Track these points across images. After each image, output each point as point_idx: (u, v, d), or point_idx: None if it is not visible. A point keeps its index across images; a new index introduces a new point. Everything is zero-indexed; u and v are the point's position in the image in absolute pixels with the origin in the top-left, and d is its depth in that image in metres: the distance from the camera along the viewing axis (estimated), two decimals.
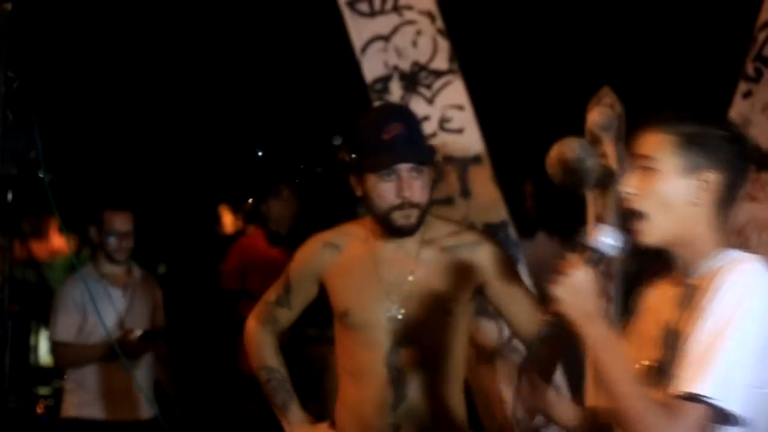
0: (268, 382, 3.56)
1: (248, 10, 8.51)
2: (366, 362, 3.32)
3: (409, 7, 5.15)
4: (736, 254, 2.40)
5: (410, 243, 3.32)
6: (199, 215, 10.41)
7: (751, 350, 2.26)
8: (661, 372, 2.39)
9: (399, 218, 3.25)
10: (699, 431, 2.25)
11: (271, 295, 3.58)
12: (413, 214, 3.25)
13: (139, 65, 9.08)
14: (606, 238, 2.43)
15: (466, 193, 5.09)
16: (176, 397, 5.78)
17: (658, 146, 2.43)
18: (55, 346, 5.45)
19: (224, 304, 6.53)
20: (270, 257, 6.44)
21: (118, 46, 8.69)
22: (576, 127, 4.77)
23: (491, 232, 5.07)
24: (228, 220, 10.31)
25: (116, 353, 4.85)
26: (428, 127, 5.10)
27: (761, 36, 5.04)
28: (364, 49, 5.17)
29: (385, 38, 5.16)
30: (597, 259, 2.42)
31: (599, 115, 4.71)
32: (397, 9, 5.15)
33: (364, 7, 5.15)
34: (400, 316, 3.29)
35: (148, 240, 6.11)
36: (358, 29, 5.17)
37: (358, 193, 3.33)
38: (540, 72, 8.08)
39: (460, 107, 5.13)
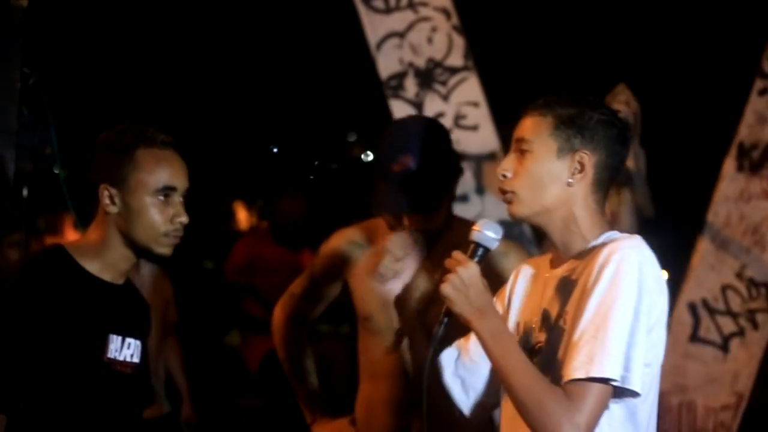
0: (292, 373, 3.54)
1: (264, 7, 8.51)
2: (385, 366, 3.31)
3: (425, 4, 5.15)
4: (616, 234, 2.40)
5: (434, 247, 3.29)
6: (213, 211, 10.43)
7: (641, 328, 2.25)
8: (545, 357, 2.36)
9: (411, 233, 3.24)
10: (600, 413, 2.24)
11: (297, 288, 3.56)
12: (419, 238, 3.26)
13: (154, 61, 9.09)
14: (487, 231, 2.45)
15: (480, 190, 5.08)
16: (188, 394, 5.77)
17: (535, 129, 2.46)
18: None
19: (229, 299, 6.53)
20: (275, 254, 6.44)
21: (133, 43, 8.71)
22: None
23: (506, 228, 5.06)
24: (242, 217, 10.31)
25: None
26: (443, 124, 5.09)
27: None
28: (379, 45, 5.17)
29: (401, 35, 5.16)
30: (481, 253, 2.44)
31: None
32: (412, 5, 5.15)
33: (379, 3, 5.15)
34: (423, 322, 3.26)
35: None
36: (374, 26, 5.17)
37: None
38: (555, 69, 8.06)
39: (475, 104, 5.13)
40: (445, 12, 5.15)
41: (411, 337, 3.26)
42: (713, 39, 7.62)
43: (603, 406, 2.24)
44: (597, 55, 7.73)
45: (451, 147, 3.34)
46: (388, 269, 3.32)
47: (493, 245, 2.46)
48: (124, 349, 2.69)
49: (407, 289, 3.29)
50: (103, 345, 2.63)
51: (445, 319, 2.44)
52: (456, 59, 5.15)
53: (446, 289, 2.38)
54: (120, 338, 2.68)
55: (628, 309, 2.25)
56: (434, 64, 5.14)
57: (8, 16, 3.31)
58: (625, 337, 2.23)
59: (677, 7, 7.63)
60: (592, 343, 2.23)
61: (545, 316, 2.41)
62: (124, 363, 2.67)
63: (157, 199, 2.66)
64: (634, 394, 2.26)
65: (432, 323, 3.21)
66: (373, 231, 3.38)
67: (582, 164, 2.40)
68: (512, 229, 5.09)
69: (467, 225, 3.37)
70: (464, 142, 5.10)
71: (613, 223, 2.48)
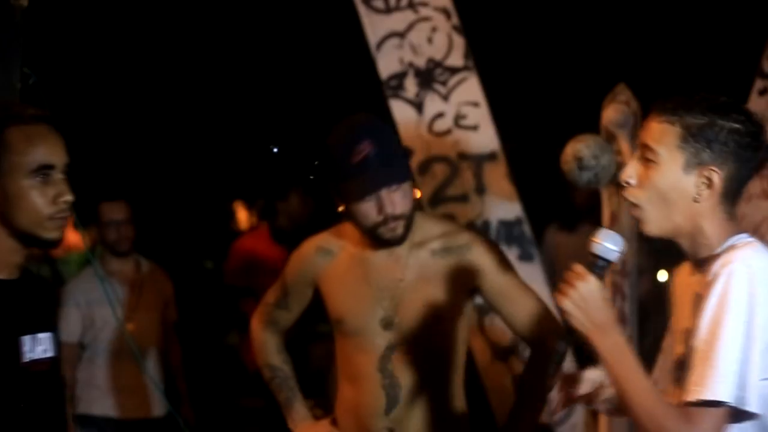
0: (272, 380, 3.61)
1: (265, 7, 8.51)
2: (360, 367, 3.33)
3: (425, 4, 5.15)
4: (739, 239, 2.35)
5: (400, 247, 3.28)
6: (213, 211, 10.43)
7: (756, 344, 2.20)
8: (682, 368, 2.33)
9: (385, 233, 3.21)
10: None
11: (270, 297, 3.62)
12: (399, 226, 3.20)
13: (154, 62, 9.09)
14: (607, 243, 2.37)
15: (481, 189, 5.08)
16: (188, 394, 5.77)
17: (662, 137, 2.36)
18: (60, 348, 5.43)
19: (227, 300, 6.52)
20: (274, 254, 6.43)
21: (133, 43, 8.71)
22: (591, 124, 4.76)
23: (506, 228, 5.07)
24: (242, 216, 10.32)
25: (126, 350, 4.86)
26: (443, 124, 5.10)
27: None
28: (379, 45, 5.17)
29: (401, 35, 5.16)
30: (602, 265, 2.36)
31: (615, 112, 4.70)
32: (412, 6, 5.15)
33: (379, 3, 5.15)
34: (392, 322, 3.29)
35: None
36: (374, 26, 5.17)
37: (341, 209, 3.30)
38: (555, 69, 8.06)
39: (476, 104, 5.13)
40: (445, 12, 5.15)
41: (385, 337, 3.29)
42: (713, 38, 7.62)
43: (719, 428, 2.21)
44: (597, 55, 7.74)
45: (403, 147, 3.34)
46: (357, 269, 3.34)
47: (614, 257, 2.37)
48: (37, 347, 2.56)
49: (376, 289, 3.30)
50: (17, 350, 2.49)
51: (569, 334, 2.38)
52: (456, 59, 5.15)
53: (564, 303, 2.32)
54: (31, 337, 2.54)
55: (738, 326, 2.19)
56: (434, 64, 5.14)
57: (8, 16, 3.30)
58: (737, 355, 2.18)
59: (677, 7, 7.63)
60: (703, 364, 2.20)
61: (683, 328, 2.39)
62: (40, 362, 2.55)
63: (34, 180, 2.46)
64: (757, 416, 2.22)
65: (401, 323, 3.26)
66: (343, 237, 3.40)
67: (710, 180, 2.33)
68: (512, 229, 5.09)
69: (437, 223, 3.39)
70: (464, 142, 5.11)
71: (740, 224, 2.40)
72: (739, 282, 2.21)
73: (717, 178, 2.33)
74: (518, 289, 3.32)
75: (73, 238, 7.28)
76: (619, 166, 4.66)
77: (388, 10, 5.15)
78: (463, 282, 3.29)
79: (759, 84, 5.00)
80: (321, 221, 6.48)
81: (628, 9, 7.75)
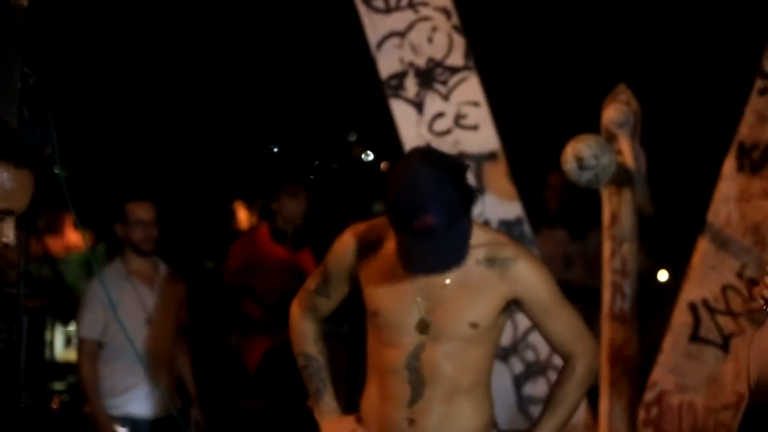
0: (304, 368, 3.58)
1: (265, 6, 8.51)
2: (388, 360, 3.35)
3: (425, 4, 5.15)
4: None
5: None
6: (214, 211, 10.43)
7: None
8: None
9: None
10: None
11: (311, 283, 3.60)
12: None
13: (154, 61, 9.09)
14: None
15: (481, 189, 5.08)
16: (197, 395, 5.79)
17: None
18: (81, 344, 5.46)
19: (227, 300, 6.52)
20: (274, 254, 6.42)
21: (133, 42, 8.71)
22: (592, 124, 4.76)
23: (506, 228, 5.07)
24: (243, 216, 10.31)
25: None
26: (443, 124, 5.10)
27: None
28: (379, 45, 5.17)
29: (401, 34, 5.16)
30: None
31: (615, 112, 4.70)
32: (412, 5, 5.15)
33: (379, 3, 5.15)
34: (427, 325, 3.30)
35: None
36: (374, 25, 5.17)
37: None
38: (555, 69, 8.06)
39: (476, 104, 5.13)
40: (446, 12, 5.15)
41: (417, 335, 3.31)
42: (714, 39, 7.62)
43: None
44: (597, 55, 7.73)
45: (467, 185, 3.25)
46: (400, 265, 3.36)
47: None
48: None
49: (416, 287, 3.31)
50: None
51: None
52: (456, 59, 5.15)
53: None
54: None
55: None
56: (434, 64, 5.14)
57: (8, 16, 3.30)
58: None
59: (677, 7, 7.63)
60: None
61: None
62: None
63: None
64: None
65: (434, 325, 3.28)
66: (385, 229, 3.39)
67: None
68: (512, 229, 5.09)
69: (485, 232, 3.40)
70: (464, 141, 5.11)
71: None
72: None
73: None
74: (559, 306, 3.35)
75: (74, 238, 7.29)
76: (620, 166, 4.66)
77: (388, 10, 5.15)
78: (504, 294, 3.31)
79: (759, 84, 5.00)
80: (318, 220, 6.49)
81: (628, 9, 7.75)
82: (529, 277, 3.31)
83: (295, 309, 3.64)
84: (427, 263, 3.18)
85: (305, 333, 3.61)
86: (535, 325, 3.41)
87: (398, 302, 3.33)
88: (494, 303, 3.31)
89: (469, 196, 3.24)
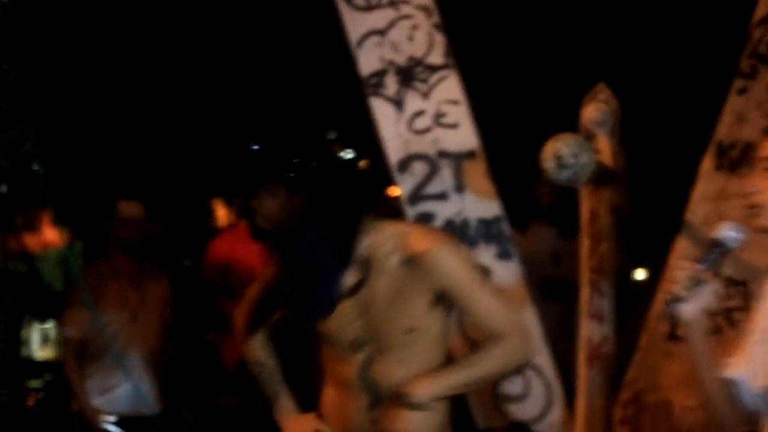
0: (259, 375, 3.65)
1: (243, 5, 8.50)
2: (343, 375, 3.40)
3: (405, 2, 5.15)
4: None
5: (366, 266, 3.29)
6: (193, 209, 10.41)
7: None
8: None
9: None
10: None
11: (253, 292, 3.64)
12: None
13: (132, 59, 9.06)
14: (730, 231, 2.56)
15: (460, 188, 5.08)
16: (183, 393, 5.79)
17: None
18: (65, 342, 5.46)
19: (205, 297, 6.50)
20: (252, 253, 6.40)
21: (112, 40, 8.68)
22: (571, 123, 4.77)
23: (485, 226, 5.07)
24: (221, 214, 10.29)
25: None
26: (423, 122, 5.10)
27: (757, 33, 5.04)
28: (359, 43, 5.16)
29: (381, 32, 5.16)
30: (718, 252, 2.55)
31: (594, 111, 4.72)
32: (393, 3, 5.15)
33: (360, 1, 5.15)
34: (364, 341, 3.33)
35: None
36: (354, 23, 5.17)
37: None
38: (535, 68, 8.08)
39: (456, 102, 5.13)
40: (426, 10, 5.15)
41: (358, 346, 3.35)
42: (692, 38, 7.65)
43: None
44: (577, 54, 7.75)
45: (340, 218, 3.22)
46: None
47: (734, 245, 2.56)
48: None
49: (352, 306, 3.32)
50: None
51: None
52: (436, 57, 5.15)
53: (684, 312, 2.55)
54: None
55: None
56: (415, 62, 5.14)
57: None
58: None
59: (656, 7, 7.65)
60: None
61: None
62: None
63: None
64: None
65: (370, 332, 3.29)
66: None
67: None
68: (491, 227, 5.10)
69: (395, 229, 3.38)
70: (444, 140, 5.11)
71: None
72: None
73: None
74: (479, 290, 3.30)
75: (52, 235, 7.26)
76: (599, 164, 4.67)
77: (368, 8, 5.15)
78: (429, 289, 3.29)
79: (738, 83, 5.03)
80: None
81: (608, 9, 7.78)
82: (442, 265, 3.27)
83: (239, 319, 3.68)
84: (311, 307, 3.19)
85: (253, 342, 3.66)
86: (465, 314, 3.35)
87: (338, 322, 3.33)
88: (422, 302, 3.30)
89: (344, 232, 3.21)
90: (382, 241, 3.29)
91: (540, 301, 5.13)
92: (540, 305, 5.06)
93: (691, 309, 2.54)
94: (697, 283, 2.52)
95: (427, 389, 3.22)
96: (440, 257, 3.28)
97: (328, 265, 3.13)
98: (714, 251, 2.54)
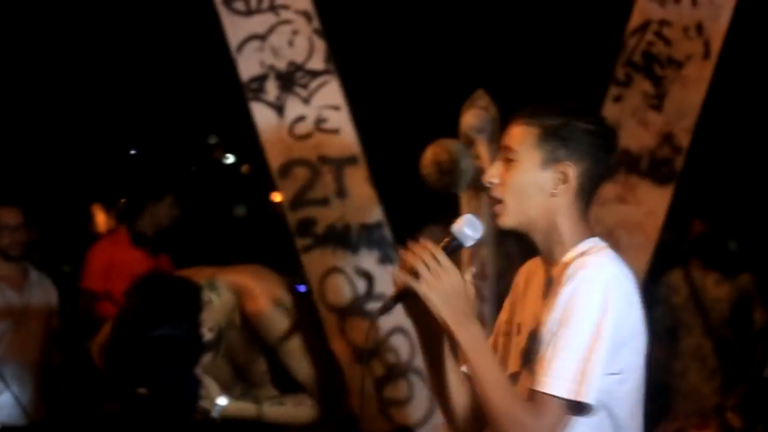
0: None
1: (125, 8, 8.40)
2: None
3: (286, 7, 5.14)
4: (590, 243, 2.47)
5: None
6: (71, 214, 10.24)
7: (604, 344, 2.31)
8: (529, 361, 2.42)
9: None
10: (561, 424, 2.32)
11: (102, 338, 3.72)
12: None
13: (8, 63, 8.89)
14: (466, 228, 2.46)
15: (342, 193, 5.09)
16: (67, 402, 5.70)
17: (521, 138, 2.47)
18: None
19: (83, 304, 6.40)
20: (132, 258, 6.32)
21: None
22: (450, 129, 4.81)
23: (367, 232, 5.09)
24: (101, 219, 10.15)
25: None
26: (304, 127, 5.09)
27: (631, 42, 5.15)
28: (239, 47, 5.14)
29: (261, 37, 5.14)
30: (454, 246, 2.44)
31: (473, 117, 4.75)
32: (273, 8, 5.13)
33: (240, 5, 5.12)
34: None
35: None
36: (234, 28, 5.14)
37: None
38: (415, 74, 8.13)
39: (337, 108, 5.13)
40: (306, 15, 5.14)
41: None
42: (569, 46, 7.78)
43: (562, 415, 2.32)
44: (456, 61, 7.82)
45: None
46: None
47: (469, 242, 2.46)
48: None
49: None
50: None
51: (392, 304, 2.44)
52: (317, 63, 5.15)
53: (429, 294, 2.37)
54: None
55: (587, 326, 2.30)
56: (295, 68, 5.13)
57: None
58: (580, 354, 2.29)
59: (534, 16, 7.77)
60: (550, 358, 2.31)
61: (534, 322, 2.45)
62: None
63: None
64: (599, 409, 2.33)
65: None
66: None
67: (566, 175, 2.44)
68: (373, 233, 5.12)
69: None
70: (325, 145, 5.11)
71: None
72: (593, 287, 2.33)
73: (572, 172, 2.44)
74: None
75: None
76: (478, 170, 4.72)
77: (248, 12, 5.13)
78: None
79: (613, 91, 5.13)
80: (178, 224, 6.41)
81: (486, 16, 7.86)
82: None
83: (97, 361, 3.79)
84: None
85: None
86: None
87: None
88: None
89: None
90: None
91: None
92: None
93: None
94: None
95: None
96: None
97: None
98: (450, 245, 2.44)
